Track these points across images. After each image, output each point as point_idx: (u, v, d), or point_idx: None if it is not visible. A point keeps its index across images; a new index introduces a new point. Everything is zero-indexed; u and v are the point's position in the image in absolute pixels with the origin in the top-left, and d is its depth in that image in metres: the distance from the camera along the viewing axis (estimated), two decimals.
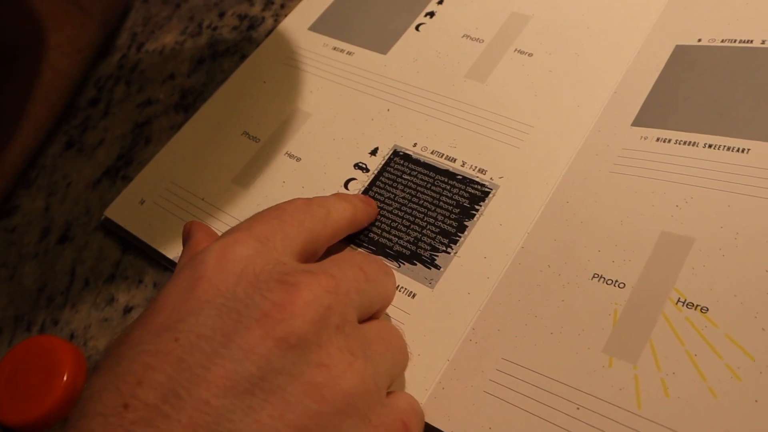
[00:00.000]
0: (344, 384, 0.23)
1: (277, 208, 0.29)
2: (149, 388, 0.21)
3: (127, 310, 0.39)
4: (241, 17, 0.50)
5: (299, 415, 0.21)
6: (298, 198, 0.30)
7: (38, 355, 0.37)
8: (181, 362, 0.21)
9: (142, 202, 0.41)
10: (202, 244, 0.29)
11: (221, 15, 0.51)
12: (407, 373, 0.30)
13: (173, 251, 0.38)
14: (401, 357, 0.28)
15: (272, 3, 0.50)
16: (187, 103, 0.47)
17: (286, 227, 0.27)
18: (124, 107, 0.49)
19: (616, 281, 0.29)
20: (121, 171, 0.45)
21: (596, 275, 0.29)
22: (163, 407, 0.20)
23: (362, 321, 0.27)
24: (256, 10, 0.50)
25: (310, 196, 0.37)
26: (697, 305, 0.27)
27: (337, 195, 0.33)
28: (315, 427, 0.22)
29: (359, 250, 0.34)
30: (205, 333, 0.22)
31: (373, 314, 0.28)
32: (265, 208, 0.37)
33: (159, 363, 0.21)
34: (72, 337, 0.39)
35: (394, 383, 0.28)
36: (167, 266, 0.39)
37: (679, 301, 0.27)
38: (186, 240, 0.31)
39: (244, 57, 0.47)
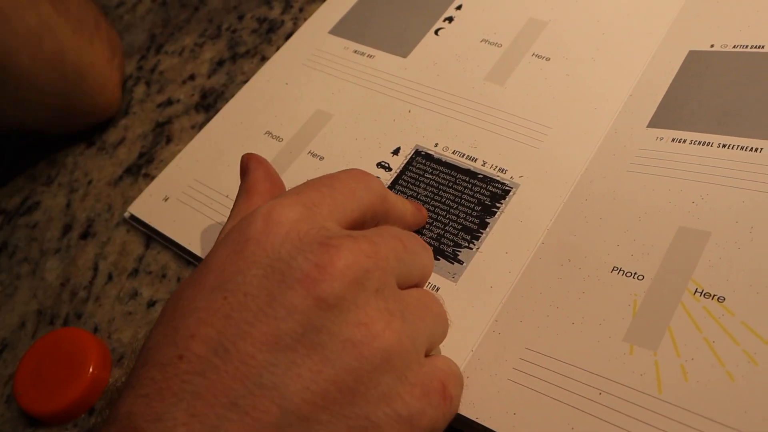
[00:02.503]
0: (382, 342, 0.24)
1: (331, 176, 0.29)
2: (201, 341, 0.23)
3: (151, 303, 0.40)
4: (261, 20, 0.51)
5: (338, 371, 0.23)
6: (357, 168, 0.31)
7: (64, 346, 0.38)
8: (229, 318, 0.23)
9: (165, 199, 0.42)
10: (258, 185, 0.31)
11: (240, 18, 0.52)
12: None
13: (198, 247, 0.39)
14: (441, 323, 0.28)
15: (291, 6, 0.51)
16: (208, 104, 0.48)
17: (335, 194, 0.28)
18: (145, 107, 0.50)
19: (635, 273, 0.30)
20: (142, 169, 0.46)
21: (615, 268, 0.31)
22: (213, 359, 0.22)
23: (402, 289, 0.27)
24: (275, 13, 0.51)
25: None
26: (714, 295, 0.28)
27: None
28: (353, 382, 0.23)
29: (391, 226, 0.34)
30: (252, 292, 0.24)
31: (413, 284, 0.28)
32: None
33: (210, 318, 0.23)
34: (96, 330, 0.40)
35: (434, 350, 0.29)
36: (191, 261, 0.40)
37: (696, 291, 0.28)
38: (243, 174, 0.32)
39: (264, 59, 0.48)
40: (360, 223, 0.29)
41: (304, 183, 0.29)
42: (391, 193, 0.32)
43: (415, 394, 0.24)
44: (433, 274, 0.34)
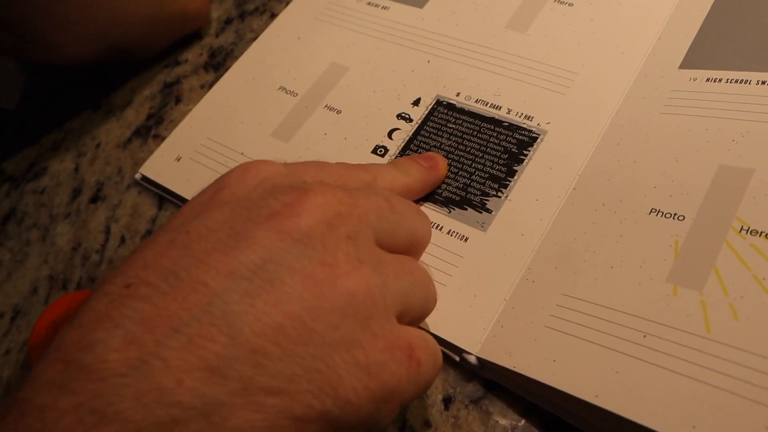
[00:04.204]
0: (346, 283, 0.22)
1: (320, 161, 0.29)
2: (153, 270, 0.21)
3: None
4: None
5: (295, 306, 0.21)
6: (349, 163, 0.30)
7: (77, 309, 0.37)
8: (187, 249, 0.22)
9: (178, 159, 0.41)
10: None
11: None
12: (464, 314, 0.30)
13: None
14: (421, 290, 0.26)
15: None
16: (217, 62, 0.46)
17: (321, 173, 0.27)
18: (151, 68, 0.48)
19: (675, 214, 0.29)
20: (152, 130, 0.45)
21: (654, 210, 0.30)
22: (162, 286, 0.21)
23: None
24: None
25: (355, 147, 0.37)
26: (762, 232, 0.27)
27: (394, 162, 0.33)
28: (310, 320, 0.21)
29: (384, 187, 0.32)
30: (214, 227, 0.22)
31: (400, 249, 0.26)
32: (308, 159, 0.37)
33: (166, 250, 0.22)
34: None
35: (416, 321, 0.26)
36: None
37: (742, 229, 0.27)
38: None
39: (273, 16, 0.47)
40: None
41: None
42: (384, 177, 0.30)
43: (377, 346, 0.22)
44: (460, 223, 0.33)
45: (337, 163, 0.30)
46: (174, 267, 0.21)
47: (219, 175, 0.38)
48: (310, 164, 0.28)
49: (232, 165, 0.38)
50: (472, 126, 0.36)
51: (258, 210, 0.23)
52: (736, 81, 0.32)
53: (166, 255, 0.22)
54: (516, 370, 0.28)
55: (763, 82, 0.31)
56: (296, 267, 0.22)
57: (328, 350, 0.21)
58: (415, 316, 0.26)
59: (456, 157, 0.35)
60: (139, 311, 0.20)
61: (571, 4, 0.39)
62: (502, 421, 0.29)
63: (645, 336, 0.26)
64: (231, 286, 0.21)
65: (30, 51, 0.43)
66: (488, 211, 0.33)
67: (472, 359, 0.29)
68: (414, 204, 0.28)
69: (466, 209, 0.33)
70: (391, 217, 0.25)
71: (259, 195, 0.24)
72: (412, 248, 0.27)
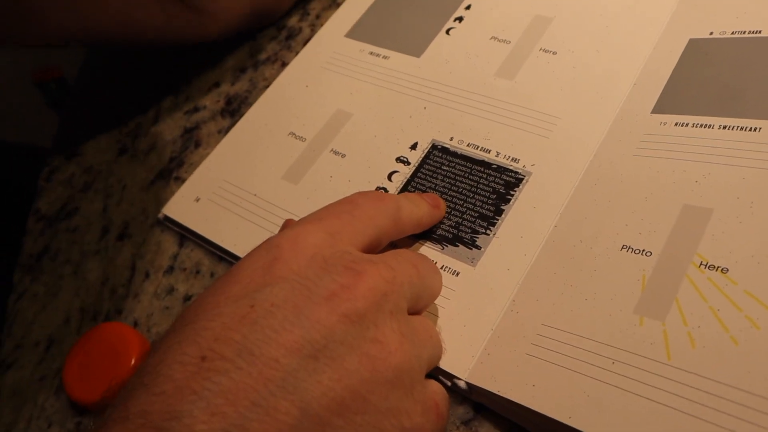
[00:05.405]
0: (395, 359, 0.26)
1: (350, 201, 0.32)
2: (225, 344, 0.24)
3: (187, 298, 0.42)
4: (279, 28, 0.54)
5: (354, 381, 0.25)
6: (372, 191, 0.33)
7: (107, 340, 0.40)
8: (255, 324, 0.25)
9: (197, 200, 0.44)
10: None
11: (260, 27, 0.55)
12: (455, 343, 0.33)
13: (230, 243, 0.41)
14: (438, 350, 0.31)
15: (308, 14, 0.54)
16: (233, 109, 0.50)
17: (355, 222, 0.31)
18: (173, 115, 0.52)
19: (643, 250, 0.32)
20: (173, 173, 0.49)
21: (625, 246, 0.32)
22: (237, 361, 0.24)
23: (410, 313, 0.30)
24: (293, 21, 0.54)
25: (357, 189, 0.40)
26: (718, 267, 0.30)
27: (407, 195, 0.36)
28: (366, 393, 0.25)
29: (408, 250, 0.36)
30: (278, 303, 0.26)
31: (420, 307, 0.31)
32: (316, 200, 0.41)
33: (235, 324, 0.25)
34: (135, 324, 0.42)
35: (429, 371, 0.31)
36: (223, 257, 0.42)
37: (701, 264, 0.30)
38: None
39: (284, 65, 0.50)
40: (375, 246, 0.32)
41: (324, 208, 0.32)
42: (405, 209, 0.34)
43: (416, 410, 0.27)
44: (453, 259, 0.36)
45: (364, 199, 0.32)
46: (245, 342, 0.24)
47: (234, 215, 0.42)
48: (343, 218, 0.30)
49: (247, 206, 0.42)
50: (464, 168, 0.39)
51: (317, 290, 0.26)
52: (701, 125, 0.35)
53: (236, 329, 0.24)
54: (500, 394, 0.30)
55: (725, 127, 0.34)
56: (354, 345, 0.26)
57: (380, 417, 0.26)
58: (432, 368, 0.31)
59: (449, 197, 0.38)
60: (218, 384, 0.23)
61: (555, 53, 0.42)
62: None
63: (614, 363, 0.29)
64: (301, 363, 0.24)
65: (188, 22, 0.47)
66: (478, 247, 0.36)
67: (462, 384, 0.32)
68: (431, 262, 0.33)
69: (457, 246, 0.36)
70: (419, 283, 0.30)
71: (315, 273, 0.27)
72: (429, 303, 0.33)
